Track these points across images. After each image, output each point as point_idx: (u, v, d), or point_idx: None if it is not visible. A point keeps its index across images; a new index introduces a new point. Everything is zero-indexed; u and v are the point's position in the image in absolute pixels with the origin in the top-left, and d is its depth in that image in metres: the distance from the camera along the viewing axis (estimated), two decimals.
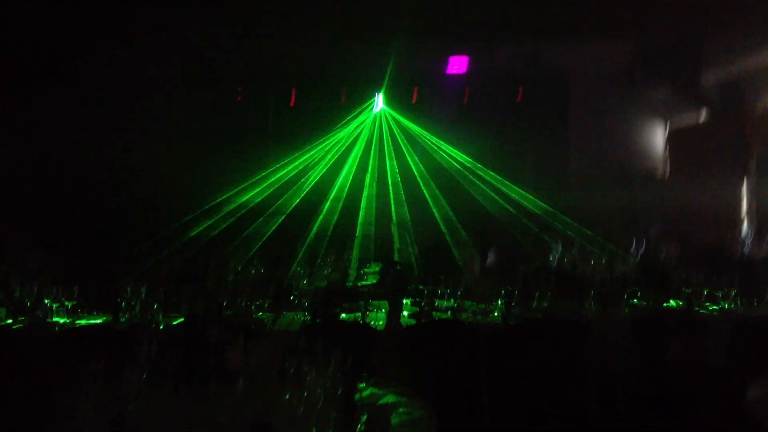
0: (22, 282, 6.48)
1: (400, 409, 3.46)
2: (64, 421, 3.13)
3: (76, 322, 5.79)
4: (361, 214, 13.45)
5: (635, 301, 5.99)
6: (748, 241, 10.00)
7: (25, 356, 5.32)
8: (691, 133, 14.00)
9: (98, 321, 5.89)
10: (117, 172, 12.58)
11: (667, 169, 14.61)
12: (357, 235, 12.70)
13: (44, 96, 11.51)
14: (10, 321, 5.84)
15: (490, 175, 13.76)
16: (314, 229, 12.58)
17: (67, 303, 5.84)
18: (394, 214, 13.21)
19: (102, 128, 12.77)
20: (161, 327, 5.67)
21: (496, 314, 5.90)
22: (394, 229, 12.44)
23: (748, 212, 12.42)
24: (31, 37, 10.04)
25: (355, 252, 9.80)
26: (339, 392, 3.35)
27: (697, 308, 5.65)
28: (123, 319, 5.79)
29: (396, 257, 10.18)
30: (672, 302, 5.91)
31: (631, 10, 9.69)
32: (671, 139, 14.63)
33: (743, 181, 12.53)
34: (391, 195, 13.57)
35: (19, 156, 12.02)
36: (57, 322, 5.71)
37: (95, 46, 10.74)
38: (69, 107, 12.42)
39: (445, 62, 12.92)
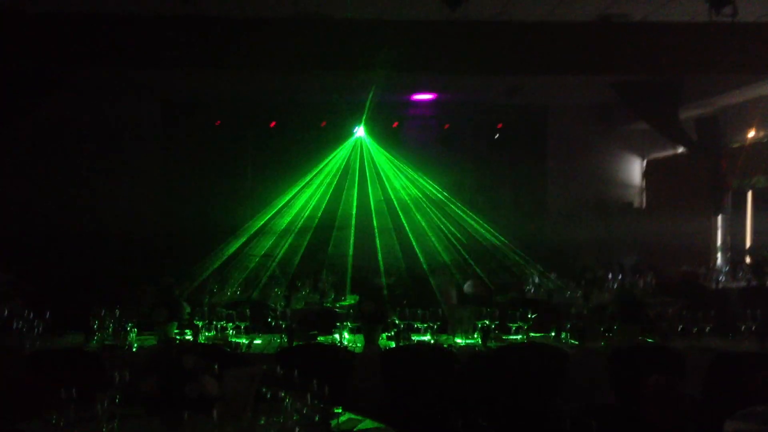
0: None
1: None
2: None
3: (47, 343, 5.68)
4: (337, 235, 13.45)
5: (611, 334, 6.00)
6: (723, 275, 10.10)
7: None
8: (667, 168, 14.17)
9: (70, 342, 5.79)
10: (92, 197, 12.61)
11: (644, 203, 14.76)
12: (329, 253, 12.70)
13: (19, 132, 11.58)
14: None
15: (466, 206, 13.81)
16: (291, 251, 12.54)
17: (37, 324, 5.72)
18: (378, 240, 13.22)
19: (78, 158, 12.85)
20: (134, 349, 5.59)
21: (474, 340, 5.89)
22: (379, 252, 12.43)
23: (723, 246, 12.56)
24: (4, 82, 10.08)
25: (326, 275, 9.75)
26: (316, 418, 3.32)
27: (672, 342, 5.67)
28: (95, 341, 5.69)
29: (382, 280, 10.15)
30: (648, 336, 5.92)
31: (608, 47, 9.83)
32: (647, 174, 14.79)
33: (718, 216, 12.68)
34: (375, 222, 13.57)
35: None
36: (27, 344, 5.59)
37: (69, 86, 10.76)
38: (41, 141, 12.53)
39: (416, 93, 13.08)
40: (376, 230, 13.49)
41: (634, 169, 14.91)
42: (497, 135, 14.42)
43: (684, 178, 13.25)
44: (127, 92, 12.35)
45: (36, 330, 5.72)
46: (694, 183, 12.63)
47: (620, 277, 8.95)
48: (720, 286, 9.82)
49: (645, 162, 14.89)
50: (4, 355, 5.45)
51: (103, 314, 5.77)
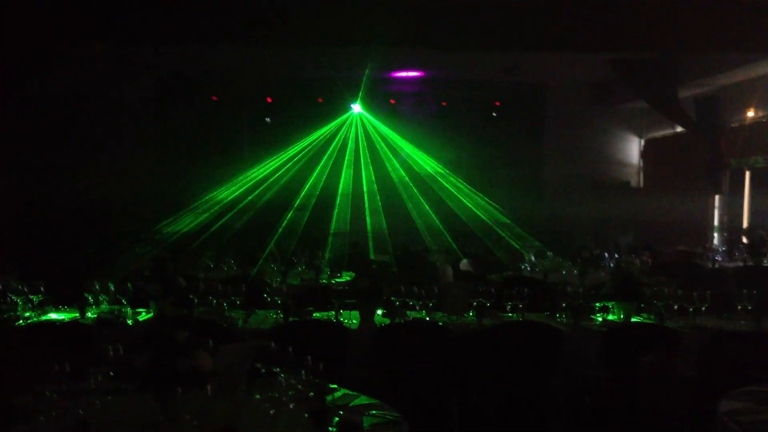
0: None
1: (373, 411, 3.42)
2: (22, 422, 3.04)
3: (42, 317, 5.67)
4: (335, 212, 13.44)
5: (607, 313, 5.99)
6: (720, 255, 10.11)
7: None
8: (665, 148, 14.15)
9: (64, 316, 5.77)
10: (88, 172, 12.58)
11: (641, 182, 14.75)
12: (331, 233, 12.69)
13: (14, 107, 11.50)
14: None
15: (464, 183, 13.80)
16: (288, 227, 12.53)
17: (33, 297, 5.71)
18: (368, 217, 13.20)
19: (73, 133, 12.81)
20: (129, 323, 5.57)
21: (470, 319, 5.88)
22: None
23: (720, 226, 12.57)
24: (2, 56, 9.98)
25: (328, 251, 9.74)
26: (311, 394, 3.30)
27: (668, 321, 5.67)
28: (89, 315, 5.68)
29: (372, 256, 10.13)
30: (643, 315, 5.92)
31: (608, 24, 9.76)
32: (646, 153, 14.77)
33: (716, 196, 12.68)
34: (366, 200, 13.56)
35: None
36: (21, 317, 5.57)
37: (64, 61, 10.67)
38: (36, 117, 12.47)
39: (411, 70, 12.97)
40: (373, 207, 13.47)
41: (632, 148, 14.89)
42: (495, 113, 14.37)
43: (682, 158, 13.24)
44: (123, 67, 12.25)
45: (30, 304, 5.70)
46: (693, 162, 12.62)
47: (616, 256, 8.94)
48: (717, 265, 9.83)
49: (643, 141, 14.87)
50: None
51: (97, 288, 5.74)
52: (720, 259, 10.04)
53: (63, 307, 6.00)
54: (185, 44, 10.50)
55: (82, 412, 3.07)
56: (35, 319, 5.58)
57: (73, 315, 5.78)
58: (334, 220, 13.25)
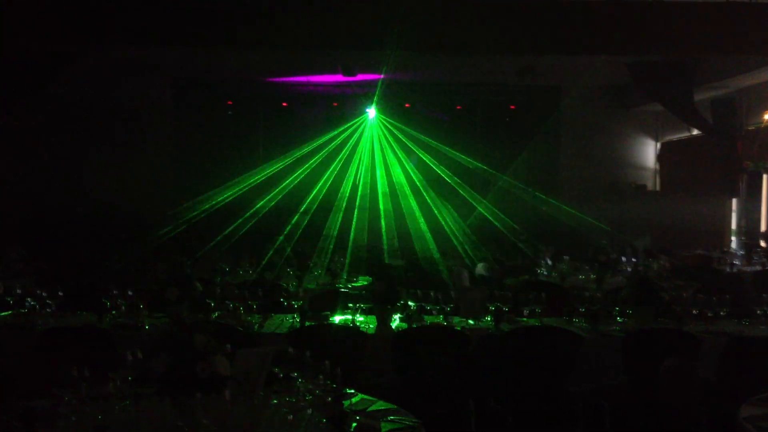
0: (5, 279, 6.40)
1: (391, 417, 3.41)
2: (42, 426, 3.06)
3: (60, 322, 5.69)
4: (355, 217, 13.43)
5: (625, 317, 5.96)
6: (737, 259, 10.04)
7: (6, 356, 5.23)
8: (681, 151, 14.06)
9: (82, 321, 5.80)
10: (104, 175, 12.67)
11: (657, 186, 14.67)
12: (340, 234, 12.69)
13: (30, 110, 11.61)
14: None
15: (479, 188, 13.77)
16: (308, 231, 12.54)
17: (50, 302, 5.73)
18: (383, 222, 13.19)
19: (90, 137, 12.91)
20: (146, 328, 5.58)
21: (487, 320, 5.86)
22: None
23: (737, 230, 12.47)
24: (20, 59, 10.09)
25: (348, 257, 9.73)
26: (329, 399, 3.30)
27: (686, 326, 5.63)
28: (107, 320, 5.70)
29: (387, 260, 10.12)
30: (662, 319, 5.88)
31: (623, 27, 9.73)
32: (662, 156, 14.69)
33: (733, 199, 12.59)
34: (381, 204, 13.55)
35: (8, 160, 12.11)
36: (40, 321, 5.60)
37: (81, 65, 10.75)
38: (53, 120, 12.57)
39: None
40: (388, 212, 13.45)
41: (648, 151, 14.81)
42: (510, 116, 14.34)
43: (698, 161, 13.16)
44: (138, 71, 12.31)
45: (48, 308, 5.72)
46: (709, 165, 12.54)
47: (634, 260, 8.89)
48: (735, 269, 9.76)
49: (659, 144, 14.77)
50: (16, 332, 5.45)
51: (115, 293, 5.76)
52: (738, 263, 9.96)
53: (80, 311, 6.02)
54: (200, 48, 10.55)
55: (101, 417, 3.08)
56: (53, 324, 5.59)
57: (90, 319, 5.80)
58: (344, 224, 13.23)
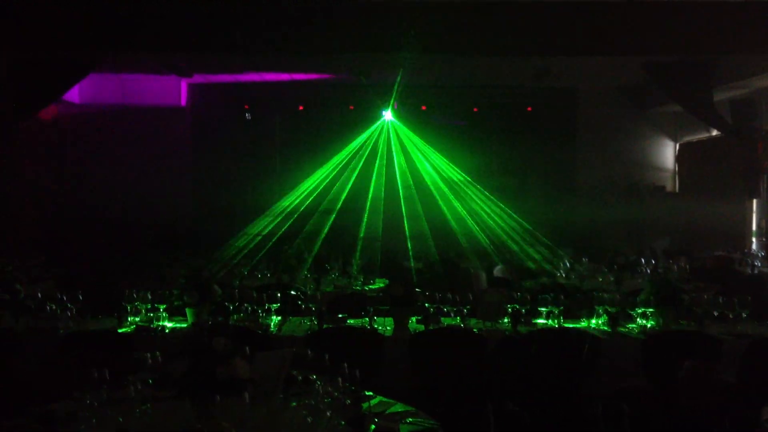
0: (27, 284, 6.46)
1: (409, 419, 3.41)
2: (63, 429, 3.08)
3: (80, 325, 5.73)
4: (365, 219, 13.43)
5: (644, 319, 5.92)
6: (758, 260, 9.95)
7: (28, 360, 5.28)
8: (700, 152, 13.96)
9: (102, 325, 5.85)
10: (122, 180, 12.77)
11: (676, 187, 14.57)
12: (361, 237, 12.69)
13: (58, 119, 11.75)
14: (12, 323, 5.80)
15: (496, 189, 13.74)
16: (322, 234, 12.56)
17: (70, 306, 5.78)
18: (406, 225, 13.19)
19: (108, 142, 13.02)
20: (166, 331, 5.62)
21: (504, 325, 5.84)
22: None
23: (758, 231, 12.36)
24: (41, 65, 10.22)
25: (356, 257, 9.72)
26: (347, 401, 3.30)
27: (707, 328, 5.58)
28: (127, 323, 5.73)
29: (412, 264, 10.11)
30: (682, 322, 5.83)
31: (640, 28, 9.67)
32: (680, 157, 14.59)
33: (753, 200, 12.47)
34: (403, 206, 13.54)
35: (29, 166, 12.24)
36: (60, 326, 5.64)
37: (99, 69, 10.85)
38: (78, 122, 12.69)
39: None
40: (404, 214, 13.45)
41: (667, 153, 14.71)
42: (526, 118, 14.29)
43: (718, 162, 13.05)
44: (155, 75, 12.38)
45: (69, 312, 5.77)
46: (728, 166, 12.44)
47: (653, 261, 8.84)
48: (756, 271, 9.68)
49: (678, 145, 14.67)
50: (38, 337, 5.50)
51: (135, 297, 5.80)
52: (759, 264, 9.88)
53: (101, 315, 6.07)
54: (217, 53, 10.61)
55: (121, 420, 3.10)
56: (74, 328, 5.64)
57: (110, 323, 5.85)
58: (361, 227, 13.23)
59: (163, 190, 12.85)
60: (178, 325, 5.81)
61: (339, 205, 13.44)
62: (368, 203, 13.72)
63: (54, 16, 9.22)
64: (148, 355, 3.56)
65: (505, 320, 5.89)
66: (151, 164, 13.10)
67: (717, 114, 11.40)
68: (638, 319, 5.85)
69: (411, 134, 14.01)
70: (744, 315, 5.53)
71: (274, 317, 5.98)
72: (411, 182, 13.87)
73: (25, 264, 8.90)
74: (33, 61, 10.28)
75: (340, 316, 5.97)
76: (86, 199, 12.64)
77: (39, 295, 6.06)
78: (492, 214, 13.36)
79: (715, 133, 12.83)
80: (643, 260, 8.78)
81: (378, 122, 13.97)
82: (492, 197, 13.59)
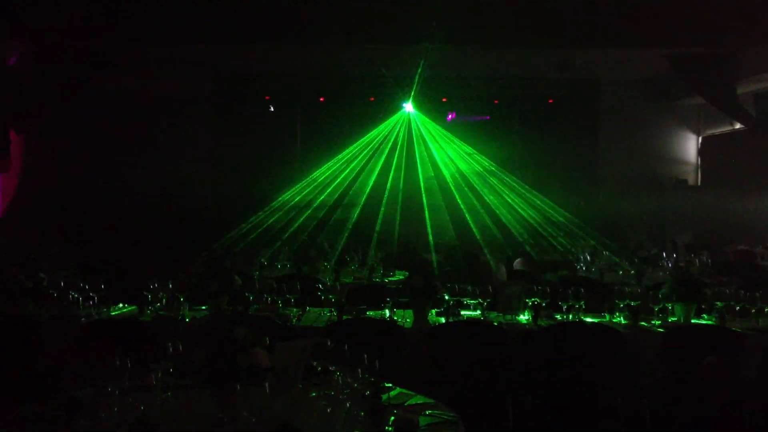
0: (50, 271, 6.52)
1: (428, 411, 3.41)
2: (85, 416, 3.11)
3: (102, 314, 5.78)
4: (382, 211, 13.45)
5: (666, 314, 5.88)
6: None
7: (51, 347, 5.34)
8: (723, 145, 13.83)
9: (124, 312, 5.91)
10: (144, 170, 12.86)
11: (699, 181, 14.45)
12: (377, 230, 12.72)
13: (72, 107, 11.82)
14: (33, 310, 5.87)
15: (518, 182, 13.69)
16: (344, 225, 12.60)
17: (92, 294, 5.83)
18: (427, 215, 13.20)
19: (131, 133, 13.11)
20: (187, 320, 5.66)
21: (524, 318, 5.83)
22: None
23: None
24: (62, 56, 10.31)
25: (373, 251, 9.74)
26: (367, 392, 3.31)
27: (729, 322, 5.54)
28: (149, 312, 5.78)
29: (432, 256, 10.11)
30: (704, 316, 5.79)
31: (663, 19, 9.58)
32: (703, 151, 14.46)
33: None
34: (424, 198, 13.55)
35: (53, 155, 12.37)
36: (83, 314, 5.70)
37: (122, 61, 10.92)
38: (95, 116, 12.78)
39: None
40: (425, 206, 13.45)
41: (690, 145, 14.58)
42: (548, 110, 14.22)
43: (741, 155, 12.93)
44: (178, 67, 12.44)
45: (91, 301, 5.82)
46: (752, 160, 12.32)
47: (675, 255, 8.77)
48: None
49: (701, 138, 14.54)
50: (60, 325, 5.56)
51: (156, 286, 5.84)
52: None
53: (123, 304, 6.12)
54: (239, 44, 10.63)
55: (142, 408, 3.13)
56: (96, 316, 5.69)
57: (132, 312, 5.90)
58: (382, 218, 13.25)
59: (184, 181, 12.92)
60: (198, 315, 5.85)
61: (363, 199, 13.47)
62: (385, 196, 13.73)
63: (76, 7, 9.28)
64: (169, 343, 3.58)
65: (525, 314, 5.87)
66: (173, 155, 13.16)
67: (741, 107, 11.29)
68: (659, 313, 5.81)
69: (431, 125, 13.99)
70: (766, 310, 5.48)
71: (293, 308, 6.00)
72: (432, 174, 13.87)
73: (49, 252, 9.00)
74: (56, 52, 10.37)
75: (360, 307, 5.98)
76: (108, 189, 12.73)
77: (62, 283, 6.11)
78: (515, 206, 13.34)
79: (738, 126, 12.70)
80: (664, 254, 8.72)
81: (399, 114, 13.96)
82: (514, 188, 13.57)
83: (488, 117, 14.21)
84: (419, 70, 11.89)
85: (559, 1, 9.38)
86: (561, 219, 12.81)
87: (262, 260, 8.89)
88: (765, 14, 9.43)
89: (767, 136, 11.65)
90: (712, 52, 10.85)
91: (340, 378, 3.30)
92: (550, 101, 14.20)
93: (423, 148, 14.05)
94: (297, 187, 13.56)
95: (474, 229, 12.81)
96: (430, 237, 12.46)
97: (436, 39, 9.27)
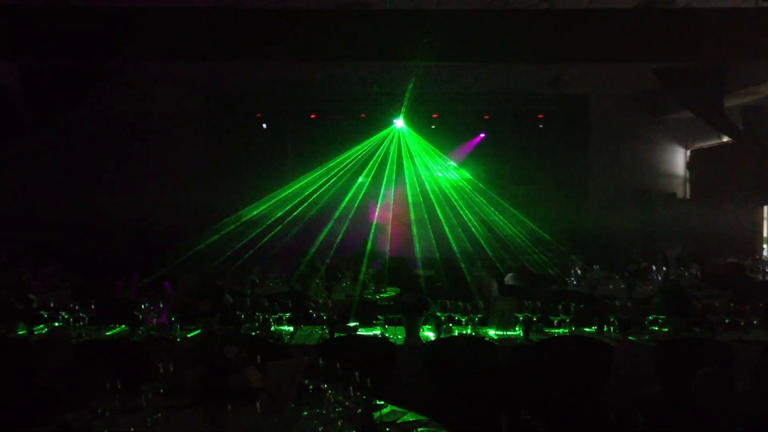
0: (43, 292, 6.50)
1: (421, 429, 3.41)
2: None
3: (93, 334, 5.76)
4: (374, 227, 13.42)
5: (657, 327, 5.91)
6: None
7: (43, 368, 5.31)
8: (711, 158, 13.92)
9: (115, 332, 5.88)
10: (136, 189, 12.84)
11: (688, 194, 14.53)
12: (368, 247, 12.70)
13: (65, 125, 11.82)
14: (23, 332, 5.84)
15: (508, 198, 13.73)
16: (334, 240, 12.58)
17: (83, 315, 5.81)
18: (416, 233, 13.18)
19: (123, 151, 13.11)
20: (178, 339, 5.64)
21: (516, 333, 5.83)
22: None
23: None
24: (55, 75, 10.33)
25: (364, 267, 9.72)
26: (359, 410, 3.31)
27: (720, 335, 5.56)
28: (140, 332, 5.76)
29: (420, 272, 10.08)
30: (695, 329, 5.81)
31: (651, 34, 9.66)
32: (692, 164, 14.55)
33: (764, 207, 12.42)
34: (412, 213, 13.54)
35: (40, 175, 12.33)
36: (73, 335, 5.68)
37: (114, 79, 10.93)
38: (87, 134, 12.78)
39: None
40: (413, 222, 13.45)
41: (678, 159, 14.68)
42: (538, 125, 14.29)
43: (729, 168, 13.02)
44: (170, 85, 12.46)
45: (82, 321, 5.80)
46: (740, 173, 12.40)
47: (665, 268, 8.80)
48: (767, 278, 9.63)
49: (689, 151, 14.63)
50: (51, 346, 5.53)
51: (147, 306, 5.82)
52: None
53: (113, 324, 6.10)
54: (231, 62, 10.66)
55: (134, 429, 3.12)
56: (86, 337, 5.67)
57: (123, 332, 5.88)
58: (372, 234, 13.23)
59: (176, 199, 12.90)
60: (190, 335, 5.83)
61: (351, 214, 13.47)
62: (377, 211, 13.74)
63: (69, 26, 9.29)
64: (161, 364, 3.57)
65: (517, 328, 5.88)
66: (165, 172, 13.15)
67: (728, 120, 11.37)
68: (650, 327, 5.83)
69: (422, 141, 14.02)
70: (756, 322, 5.50)
71: (285, 326, 5.99)
72: (421, 189, 13.89)
73: (42, 272, 8.96)
74: (50, 70, 10.37)
75: (351, 324, 5.98)
76: (99, 208, 12.70)
77: (52, 304, 6.09)
78: (504, 222, 13.35)
79: (726, 139, 12.80)
80: (654, 267, 8.76)
81: (389, 130, 14.00)
82: (503, 204, 13.59)
83: (484, 135, 14.27)
84: (410, 87, 11.94)
85: (549, 18, 9.44)
86: (548, 237, 12.81)
87: (254, 278, 8.87)
88: (751, 30, 9.51)
89: (755, 149, 11.74)
90: (700, 66, 10.94)
91: (331, 396, 3.30)
92: (540, 116, 14.27)
93: (410, 164, 14.08)
94: (289, 204, 13.54)
95: (466, 244, 12.81)
96: (418, 252, 12.45)
97: (427, 56, 9.31)
